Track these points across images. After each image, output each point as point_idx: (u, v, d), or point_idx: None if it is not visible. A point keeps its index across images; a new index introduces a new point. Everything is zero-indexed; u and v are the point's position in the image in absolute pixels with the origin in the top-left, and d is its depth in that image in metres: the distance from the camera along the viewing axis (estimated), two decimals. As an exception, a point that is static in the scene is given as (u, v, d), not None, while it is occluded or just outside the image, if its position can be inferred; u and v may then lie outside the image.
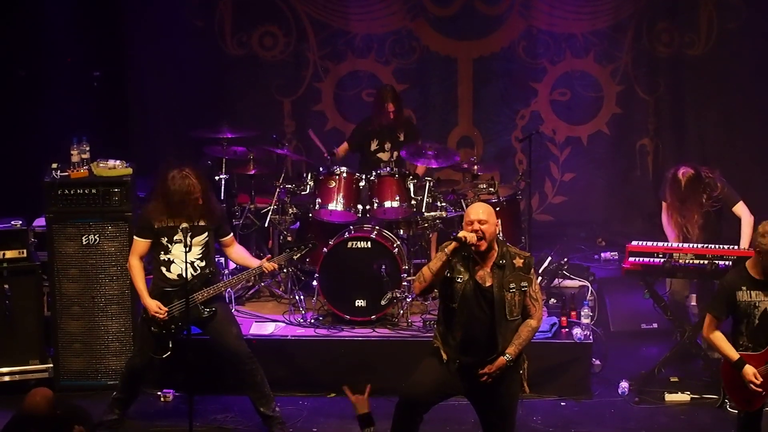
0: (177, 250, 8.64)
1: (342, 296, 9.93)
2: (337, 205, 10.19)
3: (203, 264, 8.75)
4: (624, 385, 9.47)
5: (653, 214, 11.11)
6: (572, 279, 10.72)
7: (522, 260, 7.40)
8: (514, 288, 7.33)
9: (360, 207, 10.26)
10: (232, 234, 9.05)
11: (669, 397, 9.37)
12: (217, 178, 10.66)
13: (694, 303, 10.31)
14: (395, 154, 10.95)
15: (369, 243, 9.94)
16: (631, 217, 12.34)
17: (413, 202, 10.25)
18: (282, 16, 12.26)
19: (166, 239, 8.69)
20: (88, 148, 9.74)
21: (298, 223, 10.66)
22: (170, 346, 8.69)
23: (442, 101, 12.45)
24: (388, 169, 10.36)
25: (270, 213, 10.48)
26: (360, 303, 9.89)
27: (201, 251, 8.73)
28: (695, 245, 9.34)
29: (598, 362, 9.76)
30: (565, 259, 10.85)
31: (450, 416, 8.81)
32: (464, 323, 7.33)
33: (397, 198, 10.18)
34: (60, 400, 7.35)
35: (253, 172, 10.78)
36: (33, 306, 9.62)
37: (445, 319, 7.46)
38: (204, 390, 9.17)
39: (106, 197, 9.50)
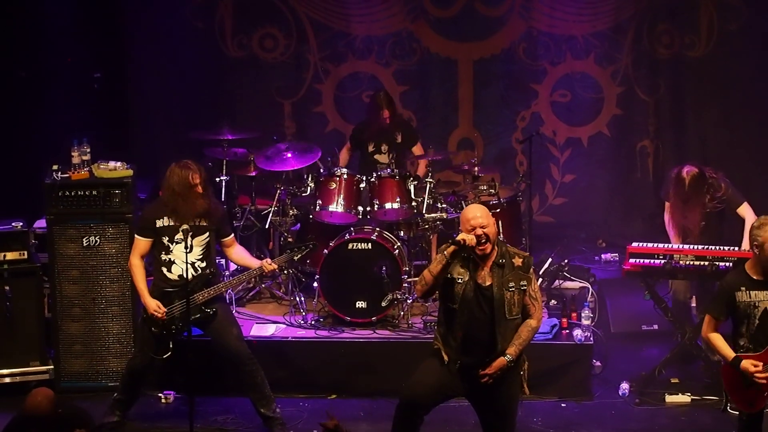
0: (178, 251, 8.65)
1: (342, 298, 9.93)
2: (337, 206, 10.20)
3: (204, 265, 8.75)
4: (624, 386, 9.47)
5: (654, 216, 11.12)
6: (573, 280, 10.72)
7: (521, 260, 7.42)
8: (513, 287, 7.33)
9: (360, 208, 10.26)
10: (232, 235, 9.06)
11: (669, 399, 9.37)
12: (217, 179, 10.67)
13: (694, 304, 10.31)
14: (393, 155, 10.96)
15: (369, 244, 9.94)
16: (631, 219, 12.34)
17: (414, 203, 10.26)
18: (282, 18, 12.27)
19: (167, 239, 8.69)
20: (88, 150, 9.75)
21: (298, 225, 10.67)
22: (171, 346, 8.69)
23: (442, 103, 12.46)
24: (388, 170, 10.37)
25: (270, 214, 10.49)
26: (360, 304, 9.89)
27: (202, 252, 8.73)
28: (696, 246, 9.34)
29: (598, 363, 9.76)
30: (566, 261, 10.85)
31: (450, 417, 8.81)
32: (465, 324, 7.34)
33: (398, 199, 10.19)
34: (61, 402, 7.35)
35: (253, 173, 10.78)
36: (33, 307, 9.63)
37: (445, 320, 7.46)
38: (204, 391, 9.17)
39: (106, 199, 9.51)
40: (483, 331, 7.34)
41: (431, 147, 10.81)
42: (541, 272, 10.65)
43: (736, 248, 9.27)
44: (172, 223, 8.65)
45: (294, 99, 12.46)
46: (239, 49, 12.34)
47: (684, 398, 9.35)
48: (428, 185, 10.29)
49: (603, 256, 11.90)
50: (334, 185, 10.23)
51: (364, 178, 10.33)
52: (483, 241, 7.26)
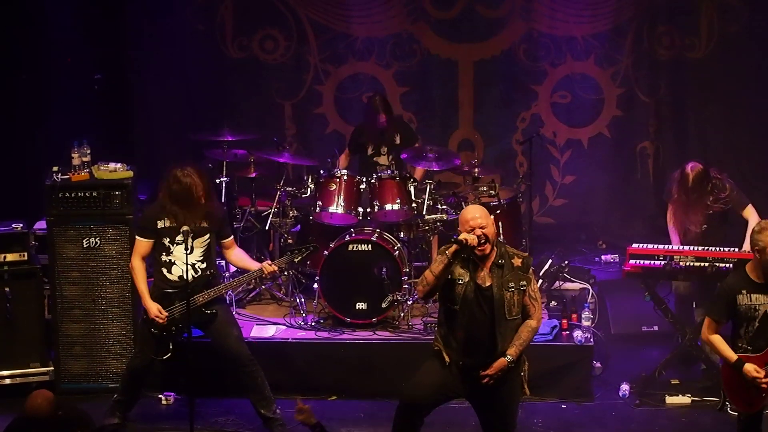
0: (178, 252, 8.65)
1: (343, 299, 9.93)
2: (337, 207, 10.19)
3: (204, 266, 8.75)
4: (625, 387, 9.47)
5: (654, 217, 11.13)
6: (573, 281, 10.71)
7: (520, 260, 7.43)
8: (513, 287, 7.34)
9: (360, 210, 10.26)
10: (232, 236, 9.06)
11: (670, 400, 9.37)
12: (217, 180, 10.67)
13: (694, 305, 10.30)
14: (392, 157, 10.96)
15: (370, 246, 9.94)
16: (631, 220, 12.34)
17: (414, 204, 10.26)
18: (283, 20, 12.27)
19: (168, 240, 8.69)
20: (89, 151, 9.75)
21: (298, 226, 10.67)
22: (171, 347, 8.70)
23: (442, 104, 12.45)
24: (388, 171, 10.37)
25: (271, 216, 10.49)
26: (361, 306, 9.89)
27: (202, 253, 8.74)
28: (696, 248, 9.34)
29: (598, 365, 9.76)
30: (566, 262, 10.84)
31: (451, 418, 8.81)
32: (465, 324, 7.34)
33: (398, 201, 10.18)
34: (62, 403, 7.35)
35: (253, 174, 10.79)
36: (34, 309, 9.62)
37: (446, 321, 7.47)
38: (205, 393, 9.16)
39: (107, 200, 9.51)
40: (483, 332, 7.35)
41: (431, 149, 10.79)
42: (541, 273, 10.65)
43: (737, 249, 9.27)
44: (173, 225, 8.65)
45: (294, 100, 12.46)
46: (240, 50, 12.34)
47: (684, 399, 9.35)
48: (428, 187, 10.29)
49: (603, 257, 11.91)
50: (334, 186, 10.23)
51: (364, 180, 10.34)
52: (482, 241, 7.27)
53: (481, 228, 7.28)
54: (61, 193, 9.49)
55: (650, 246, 9.41)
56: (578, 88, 12.30)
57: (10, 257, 9.57)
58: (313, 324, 9.98)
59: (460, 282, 7.34)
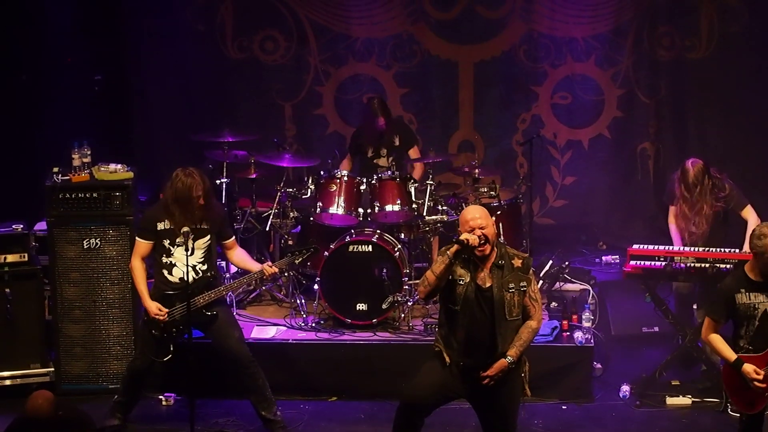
0: (179, 253, 8.65)
1: (343, 300, 9.93)
2: (338, 208, 10.19)
3: (205, 267, 8.76)
4: (625, 388, 9.47)
5: (654, 218, 11.13)
6: (573, 282, 10.71)
7: (521, 261, 7.43)
8: (513, 288, 7.34)
9: (361, 211, 10.26)
10: (233, 237, 9.06)
11: (670, 401, 9.37)
12: (218, 182, 10.67)
13: (695, 306, 10.30)
14: (392, 158, 10.96)
15: (370, 247, 9.94)
16: (632, 221, 12.34)
17: (414, 205, 10.26)
18: (283, 20, 12.27)
19: (168, 241, 8.70)
20: (89, 152, 9.76)
21: (299, 227, 10.68)
22: (171, 349, 8.69)
23: (443, 105, 12.45)
24: (389, 172, 10.38)
25: (271, 217, 10.49)
26: (361, 307, 9.89)
27: (203, 254, 8.74)
28: (696, 248, 9.34)
29: (599, 366, 9.76)
30: (566, 263, 10.85)
31: (451, 419, 8.81)
32: (466, 325, 7.34)
33: (398, 202, 10.18)
34: (62, 404, 7.35)
35: (254, 175, 10.78)
36: (34, 310, 9.63)
37: (447, 321, 7.47)
38: (205, 394, 9.17)
39: (107, 201, 9.51)
40: (484, 333, 7.35)
41: (431, 150, 10.80)
42: (541, 274, 10.65)
43: (737, 250, 9.27)
44: (173, 226, 8.66)
45: (294, 101, 12.45)
46: (240, 51, 12.34)
47: (684, 400, 9.34)
48: (429, 187, 10.29)
49: (603, 258, 11.90)
50: (334, 187, 10.23)
51: (365, 180, 10.34)
52: (482, 242, 7.28)
53: (481, 228, 7.29)
54: (62, 194, 9.50)
55: (651, 247, 9.41)
56: (578, 89, 12.30)
57: (11, 258, 9.57)
58: (313, 325, 9.98)
59: (461, 283, 7.34)
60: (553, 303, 10.19)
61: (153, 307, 8.64)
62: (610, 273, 11.48)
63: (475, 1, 12.14)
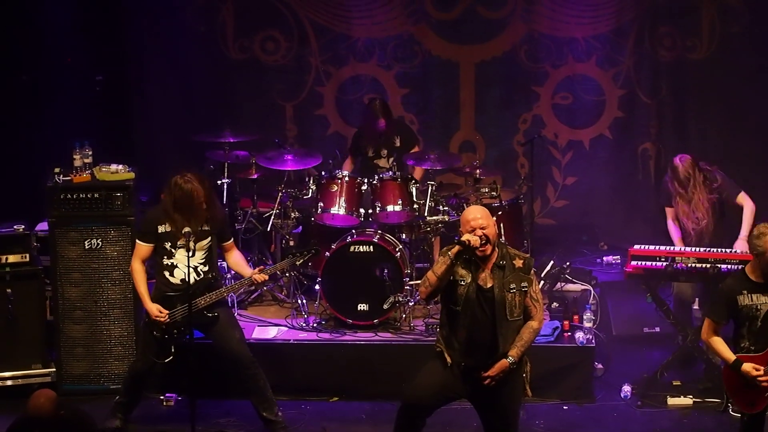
0: (180, 255, 8.66)
1: (344, 300, 9.93)
2: (339, 209, 10.19)
3: (206, 269, 8.76)
4: (626, 388, 9.47)
5: (655, 218, 11.11)
6: (574, 283, 10.71)
7: (522, 261, 7.43)
8: (514, 288, 7.34)
9: (362, 211, 10.26)
10: (232, 240, 9.06)
11: (671, 401, 9.37)
12: (219, 182, 10.67)
13: (696, 307, 10.31)
14: (393, 159, 10.96)
15: (371, 247, 9.94)
16: (633, 221, 12.33)
17: (415, 206, 10.26)
18: (284, 21, 12.27)
19: (169, 244, 8.70)
20: (90, 153, 9.77)
21: (300, 228, 10.68)
22: (172, 350, 8.69)
23: (443, 106, 12.45)
24: (390, 173, 10.38)
25: (272, 217, 10.50)
26: (362, 307, 9.89)
27: (204, 256, 8.74)
28: (697, 249, 9.35)
29: (600, 366, 9.76)
30: (568, 263, 10.84)
31: (452, 420, 8.81)
32: (467, 326, 7.35)
33: (400, 202, 10.19)
34: (64, 405, 7.34)
35: (255, 176, 10.78)
36: (35, 310, 9.63)
37: (448, 322, 7.47)
38: (206, 394, 9.16)
39: (108, 201, 9.52)
40: (485, 333, 7.35)
41: (432, 152, 10.79)
42: (542, 275, 10.64)
43: (738, 251, 9.28)
44: (174, 229, 8.66)
45: (295, 102, 12.46)
46: (241, 51, 12.34)
47: (686, 401, 9.34)
48: (430, 188, 10.29)
49: (605, 258, 11.90)
50: (335, 188, 10.23)
51: (366, 181, 10.34)
52: (483, 242, 7.28)
53: (482, 228, 7.29)
54: (63, 194, 9.50)
55: (652, 247, 9.41)
56: (579, 90, 12.30)
57: (12, 258, 9.58)
58: (314, 325, 9.98)
59: (462, 283, 7.34)
60: (554, 303, 10.18)
61: (154, 309, 8.65)
62: (611, 273, 11.48)
63: (476, 1, 12.14)
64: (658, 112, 12.27)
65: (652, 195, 12.19)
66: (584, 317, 9.76)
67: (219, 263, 9.35)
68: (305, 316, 10.09)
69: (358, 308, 9.90)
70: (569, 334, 9.69)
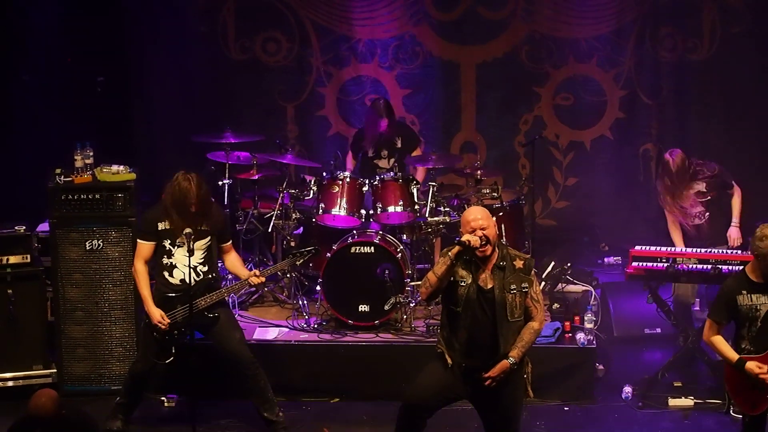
0: (180, 255, 8.65)
1: (345, 301, 9.93)
2: (340, 210, 10.20)
3: (206, 269, 8.76)
4: (627, 389, 9.47)
5: (656, 219, 11.11)
6: (576, 284, 10.72)
7: (522, 262, 7.43)
8: (515, 289, 7.34)
9: (363, 212, 10.26)
10: (231, 242, 9.04)
11: (673, 402, 9.36)
12: (220, 183, 10.67)
13: (698, 308, 10.31)
14: (393, 160, 10.96)
15: (372, 248, 9.95)
16: (634, 222, 12.31)
17: (416, 207, 10.26)
18: (285, 22, 12.27)
19: (169, 242, 8.70)
20: (91, 153, 9.77)
21: (301, 228, 10.68)
22: (173, 351, 8.69)
23: (445, 106, 12.44)
24: (391, 174, 10.38)
25: (273, 218, 10.49)
26: (363, 308, 9.90)
27: (203, 256, 8.74)
28: (698, 250, 9.35)
29: (601, 367, 9.75)
30: (569, 264, 10.84)
31: (454, 421, 8.81)
32: (468, 326, 7.34)
33: (401, 203, 10.19)
34: (66, 406, 7.34)
35: (256, 177, 10.78)
36: (36, 311, 9.63)
37: (449, 323, 7.47)
38: (207, 395, 9.17)
39: (109, 202, 9.52)
40: (486, 334, 7.35)
41: (433, 153, 10.79)
42: (543, 276, 10.65)
43: (739, 252, 9.29)
44: (173, 227, 8.66)
45: (297, 102, 12.45)
46: (242, 52, 12.34)
47: (687, 401, 9.34)
48: (431, 189, 10.29)
49: (606, 259, 11.90)
50: (336, 189, 10.23)
51: (367, 182, 10.34)
52: (483, 243, 7.28)
53: (482, 229, 7.29)
54: (64, 195, 9.50)
55: (653, 248, 9.41)
56: (581, 90, 12.29)
57: (13, 259, 9.58)
58: (315, 326, 9.99)
59: (462, 284, 7.34)
60: (556, 304, 10.19)
61: (156, 314, 8.63)
62: (613, 274, 11.47)
63: (477, 2, 12.13)
64: (659, 113, 12.26)
65: (653, 196, 12.18)
66: (585, 318, 9.76)
67: (219, 264, 9.34)
68: (306, 317, 10.09)
69: (359, 309, 9.90)
70: (570, 335, 9.69)
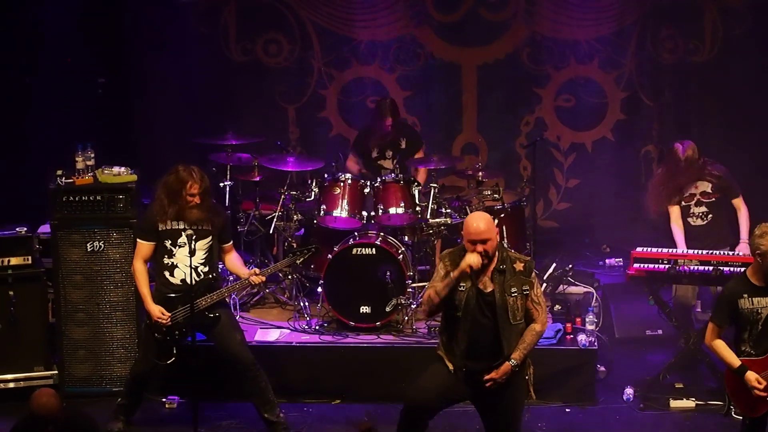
0: (181, 254, 8.66)
1: (347, 303, 9.93)
2: (341, 211, 10.20)
3: (207, 269, 8.76)
4: (629, 391, 9.47)
5: (658, 221, 11.11)
6: (577, 285, 10.72)
7: (522, 264, 7.41)
8: (515, 292, 7.33)
9: (365, 213, 10.26)
10: (232, 242, 9.04)
11: (674, 404, 9.36)
12: (221, 184, 10.67)
13: (699, 309, 10.30)
14: (397, 161, 10.95)
15: (374, 249, 9.94)
16: (635, 224, 12.29)
17: (418, 208, 10.26)
18: (286, 24, 12.27)
19: (169, 242, 8.70)
20: (92, 155, 9.77)
21: (302, 230, 10.68)
22: (174, 352, 8.69)
23: (446, 108, 12.45)
24: (392, 175, 10.38)
25: (275, 220, 10.49)
26: (365, 309, 9.89)
27: (204, 256, 8.74)
28: (700, 251, 9.35)
29: (603, 368, 9.75)
30: (570, 266, 10.85)
31: (455, 422, 8.81)
32: (469, 330, 7.34)
33: (402, 204, 10.19)
34: (67, 407, 7.34)
35: (257, 178, 10.78)
36: (38, 313, 9.63)
37: (449, 327, 7.46)
38: (208, 396, 9.16)
39: (110, 204, 9.52)
40: (487, 338, 7.34)
41: (435, 155, 10.79)
42: (545, 277, 10.65)
43: (740, 253, 9.28)
44: (174, 227, 8.66)
45: (298, 104, 12.46)
46: (243, 54, 12.34)
47: (688, 403, 9.34)
48: (432, 190, 10.29)
49: (607, 261, 11.90)
50: (338, 190, 10.23)
51: (369, 183, 10.34)
52: (484, 262, 7.25)
53: (483, 242, 7.24)
54: (65, 196, 9.50)
55: (654, 250, 9.41)
56: (582, 92, 12.29)
57: (15, 261, 9.58)
58: (316, 328, 9.98)
59: (461, 289, 7.32)
60: (557, 306, 10.20)
61: (156, 310, 8.64)
62: (614, 276, 11.46)
63: (479, 3, 12.14)
64: (661, 115, 12.26)
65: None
66: (587, 320, 9.76)
67: (220, 265, 9.35)
68: (307, 318, 10.09)
69: (361, 311, 9.89)
70: (572, 336, 9.69)
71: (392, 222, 10.27)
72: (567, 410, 9.39)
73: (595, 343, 9.60)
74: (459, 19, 12.23)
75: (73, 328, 9.59)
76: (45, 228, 9.91)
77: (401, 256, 10.02)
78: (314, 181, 10.52)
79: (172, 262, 8.73)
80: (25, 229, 9.67)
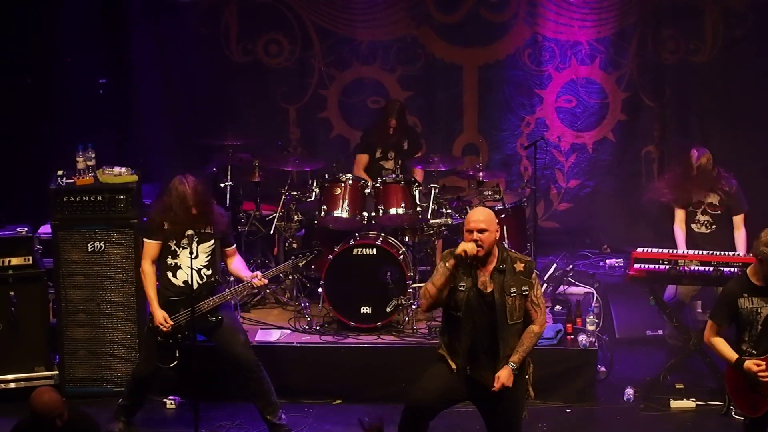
0: (184, 256, 8.66)
1: (347, 303, 9.93)
2: (342, 212, 10.20)
3: (209, 272, 8.76)
4: (629, 391, 9.47)
5: (658, 221, 11.13)
6: (577, 286, 10.73)
7: (523, 264, 7.40)
8: (515, 292, 7.33)
9: (365, 214, 10.26)
10: (234, 246, 9.05)
11: (674, 404, 9.36)
12: (222, 185, 10.68)
13: (699, 309, 10.30)
14: (399, 162, 10.95)
15: (374, 250, 9.94)
16: (636, 224, 12.33)
17: (418, 209, 10.26)
18: (287, 24, 12.27)
19: (174, 242, 8.70)
20: (93, 155, 9.76)
21: (303, 230, 10.68)
22: (177, 355, 8.69)
23: (447, 108, 12.45)
24: (393, 176, 10.38)
25: (275, 220, 10.50)
26: (365, 310, 9.89)
27: (207, 259, 8.74)
28: (700, 252, 9.35)
29: (603, 369, 9.75)
30: (571, 266, 10.86)
31: (456, 423, 8.82)
32: (470, 330, 7.33)
33: (403, 205, 10.19)
34: (68, 407, 7.34)
35: (258, 179, 10.78)
36: (38, 313, 9.63)
37: (450, 328, 7.46)
38: (210, 397, 9.16)
39: (111, 204, 9.52)
40: (486, 337, 7.34)
41: (436, 155, 10.79)
42: (545, 278, 10.65)
43: (741, 253, 9.28)
44: (176, 228, 8.66)
45: (299, 104, 12.46)
46: (244, 54, 12.35)
47: (689, 404, 9.34)
48: (433, 191, 10.29)
49: (608, 261, 11.91)
50: (339, 190, 10.23)
51: (369, 184, 10.34)
52: (478, 246, 7.24)
53: (480, 231, 7.25)
54: (66, 197, 9.50)
55: (655, 250, 9.41)
56: (583, 93, 12.30)
57: (15, 261, 9.58)
58: (317, 328, 9.98)
59: (462, 289, 7.33)
60: (558, 306, 10.21)
61: (160, 316, 8.64)
62: (615, 276, 11.48)
63: (480, 4, 12.15)
64: (662, 115, 12.27)
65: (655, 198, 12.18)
66: (587, 320, 9.75)
67: (222, 267, 9.35)
68: (308, 319, 10.09)
69: (361, 311, 9.89)
70: (572, 337, 9.69)
71: (393, 222, 10.26)
72: (567, 410, 9.40)
73: (596, 344, 9.60)
74: (460, 19, 12.24)
75: (73, 329, 9.59)
76: (46, 228, 9.91)
77: (402, 256, 10.02)
78: (315, 181, 10.52)
79: (176, 263, 8.74)
80: (26, 229, 9.67)
